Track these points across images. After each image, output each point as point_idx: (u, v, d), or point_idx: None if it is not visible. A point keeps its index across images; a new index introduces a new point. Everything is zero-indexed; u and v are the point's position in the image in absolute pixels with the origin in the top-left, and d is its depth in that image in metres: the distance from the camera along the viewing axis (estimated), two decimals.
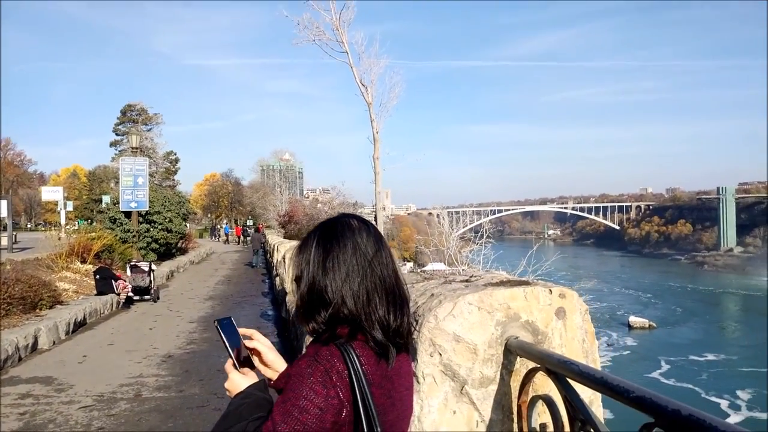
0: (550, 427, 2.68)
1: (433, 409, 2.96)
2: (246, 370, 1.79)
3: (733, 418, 54.29)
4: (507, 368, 3.00)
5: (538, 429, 2.78)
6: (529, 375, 2.85)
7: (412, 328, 1.86)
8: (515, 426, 2.95)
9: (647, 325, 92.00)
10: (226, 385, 1.77)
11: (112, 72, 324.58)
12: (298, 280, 1.81)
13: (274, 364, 1.91)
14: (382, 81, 19.88)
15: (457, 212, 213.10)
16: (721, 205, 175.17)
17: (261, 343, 1.91)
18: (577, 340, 3.14)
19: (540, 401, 2.74)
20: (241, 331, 1.87)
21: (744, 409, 57.15)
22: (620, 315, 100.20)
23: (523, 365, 2.96)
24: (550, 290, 3.13)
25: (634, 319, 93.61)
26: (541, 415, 2.79)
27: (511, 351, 2.94)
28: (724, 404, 58.42)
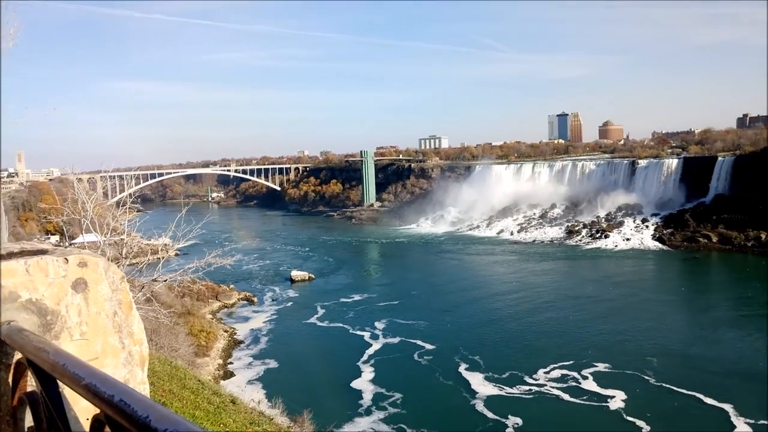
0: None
1: None
2: None
3: (375, 347, 64.10)
4: (4, 362, 2.40)
5: None
6: (19, 369, 2.31)
7: None
8: None
9: (307, 277, 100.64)
10: None
11: None
12: None
13: None
14: None
15: (113, 176, 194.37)
16: (363, 166, 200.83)
17: None
18: (105, 314, 2.70)
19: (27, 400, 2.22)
20: None
21: (381, 337, 67.98)
22: (283, 270, 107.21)
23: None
24: (66, 259, 2.59)
25: (295, 273, 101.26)
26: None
27: (5, 341, 2.35)
28: (366, 335, 68.43)
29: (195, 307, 74.07)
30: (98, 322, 2.66)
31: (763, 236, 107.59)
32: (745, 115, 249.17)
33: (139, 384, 2.60)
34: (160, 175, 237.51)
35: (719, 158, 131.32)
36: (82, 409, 2.11)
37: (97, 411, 1.60)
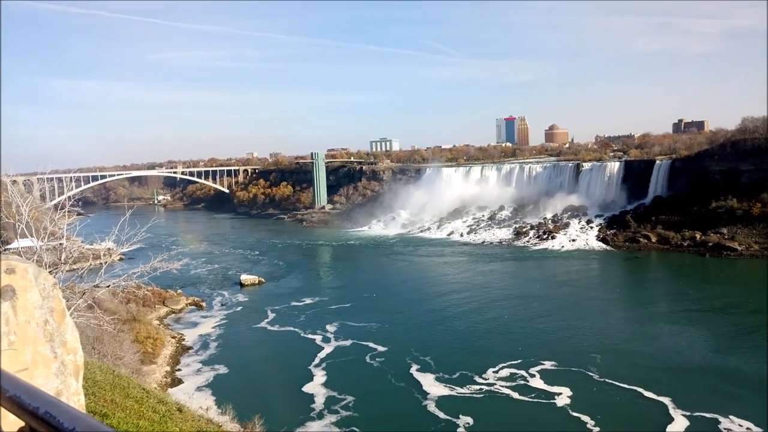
0: None
1: None
2: None
3: (327, 350, 63.72)
4: None
5: None
6: None
7: None
8: None
9: (257, 281, 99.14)
10: None
11: None
12: None
13: None
14: None
15: (50, 179, 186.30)
16: (314, 168, 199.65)
17: None
18: (35, 322, 2.59)
19: None
20: None
21: (333, 340, 67.66)
22: (232, 275, 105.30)
23: None
24: None
25: (245, 277, 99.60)
26: None
27: None
28: (318, 339, 67.95)
29: (141, 313, 71.90)
30: (27, 331, 2.53)
31: (698, 236, 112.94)
32: (680, 121, 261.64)
33: (73, 395, 2.50)
34: (103, 177, 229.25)
35: (657, 162, 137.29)
36: (10, 423, 2.02)
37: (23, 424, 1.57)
